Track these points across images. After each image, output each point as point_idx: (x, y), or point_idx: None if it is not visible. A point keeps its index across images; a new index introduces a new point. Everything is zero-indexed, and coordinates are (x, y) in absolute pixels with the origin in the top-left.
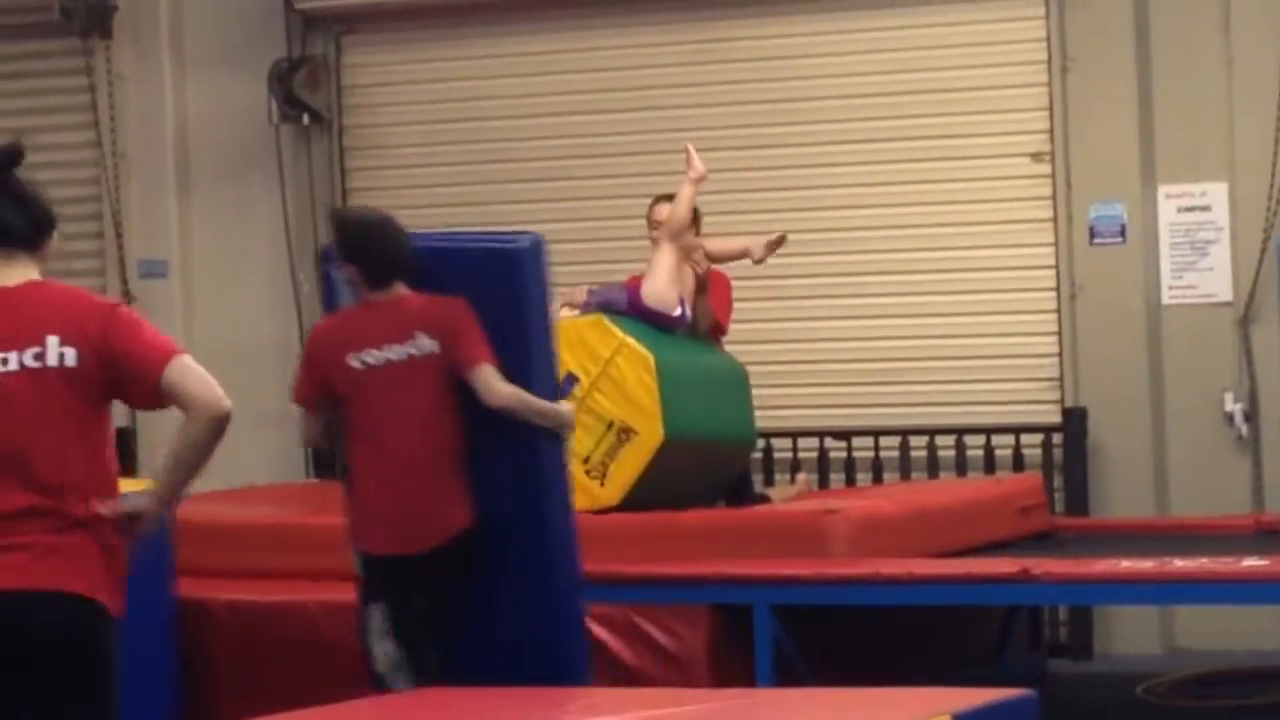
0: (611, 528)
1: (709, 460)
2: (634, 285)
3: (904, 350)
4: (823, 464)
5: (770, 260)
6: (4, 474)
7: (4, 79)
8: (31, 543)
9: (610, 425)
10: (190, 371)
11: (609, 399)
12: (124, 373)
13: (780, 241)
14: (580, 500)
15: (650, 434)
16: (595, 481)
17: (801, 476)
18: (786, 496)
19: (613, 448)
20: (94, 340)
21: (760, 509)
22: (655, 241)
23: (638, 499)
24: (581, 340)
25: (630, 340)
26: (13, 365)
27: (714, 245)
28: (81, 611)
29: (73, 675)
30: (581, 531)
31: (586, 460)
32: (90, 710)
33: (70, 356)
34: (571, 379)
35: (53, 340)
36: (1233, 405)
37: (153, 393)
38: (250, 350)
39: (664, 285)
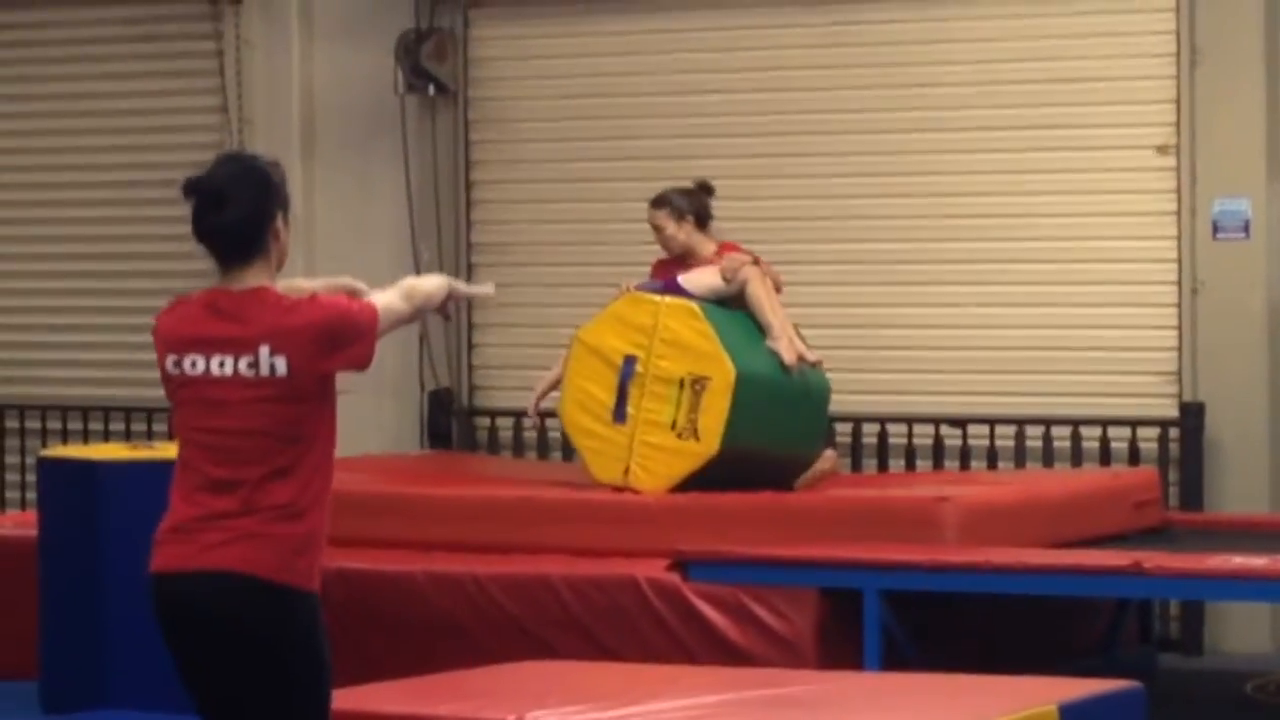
0: (722, 508)
1: (793, 398)
2: (668, 276)
3: (1022, 340)
4: (938, 451)
5: (890, 245)
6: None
7: (134, 41)
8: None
9: (682, 383)
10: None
11: (670, 360)
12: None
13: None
14: (683, 464)
15: (722, 374)
16: (690, 441)
17: (829, 453)
18: (809, 475)
19: (693, 402)
20: (304, 347)
21: (871, 495)
22: (663, 244)
23: (737, 444)
24: (622, 319)
25: (668, 298)
26: (228, 370)
27: (764, 294)
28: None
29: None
30: (694, 511)
31: (674, 425)
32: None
33: (281, 365)
34: (630, 360)
35: (264, 350)
36: None
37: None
38: None
39: (707, 278)
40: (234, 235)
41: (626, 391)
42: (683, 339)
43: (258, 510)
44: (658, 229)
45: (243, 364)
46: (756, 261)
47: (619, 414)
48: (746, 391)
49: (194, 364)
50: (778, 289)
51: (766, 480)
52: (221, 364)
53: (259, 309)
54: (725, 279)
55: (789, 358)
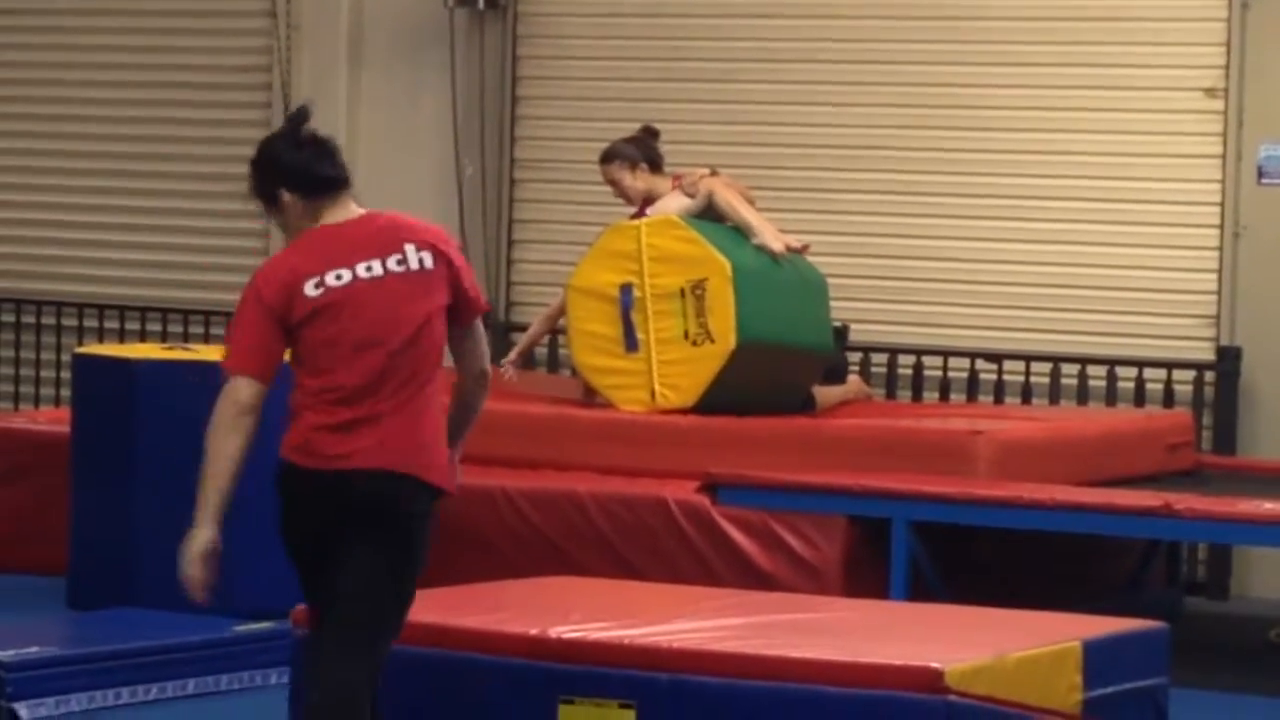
0: (754, 432)
1: (792, 287)
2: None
3: (1061, 277)
4: (972, 385)
5: (933, 178)
6: (369, 360)
7: None
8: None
9: (682, 293)
10: (483, 333)
11: (664, 274)
12: (457, 297)
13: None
14: (706, 368)
15: (718, 271)
16: (706, 344)
17: (854, 378)
18: (833, 397)
19: (698, 306)
20: (443, 254)
21: (904, 426)
22: (622, 196)
23: (752, 336)
24: (608, 252)
25: (641, 220)
26: (377, 271)
27: (732, 197)
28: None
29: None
30: (725, 434)
31: (687, 335)
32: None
33: (428, 260)
34: (627, 289)
35: (410, 248)
36: None
37: (462, 327)
38: None
39: (672, 203)
40: (347, 178)
41: (631, 320)
42: (671, 250)
43: (402, 413)
44: (614, 183)
45: (391, 261)
46: (714, 173)
47: (630, 343)
48: (746, 282)
49: (338, 276)
50: (750, 202)
51: (788, 378)
52: (369, 267)
53: (384, 219)
54: (689, 194)
55: (777, 247)
